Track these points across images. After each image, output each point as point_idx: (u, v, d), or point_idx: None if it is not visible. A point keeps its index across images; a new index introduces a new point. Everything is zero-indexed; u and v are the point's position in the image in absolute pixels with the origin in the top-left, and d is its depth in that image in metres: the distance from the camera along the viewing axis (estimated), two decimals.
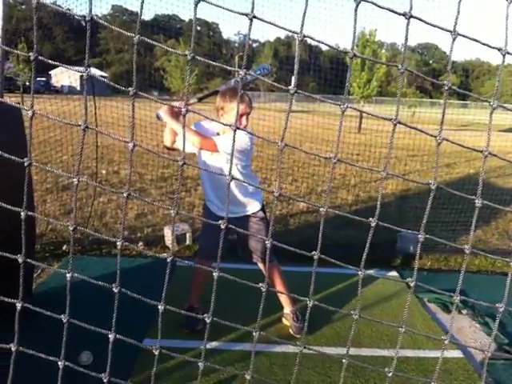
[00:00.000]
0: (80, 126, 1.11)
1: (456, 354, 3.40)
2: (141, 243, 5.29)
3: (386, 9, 1.04)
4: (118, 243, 1.22)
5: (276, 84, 1.20)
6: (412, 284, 1.26)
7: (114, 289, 1.30)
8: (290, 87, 1.07)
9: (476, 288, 4.25)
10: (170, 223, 5.68)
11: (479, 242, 6.08)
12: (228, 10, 1.05)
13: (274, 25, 1.05)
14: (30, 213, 1.25)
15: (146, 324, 3.37)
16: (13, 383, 1.44)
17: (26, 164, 1.16)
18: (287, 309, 3.67)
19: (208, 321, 1.34)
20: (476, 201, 1.17)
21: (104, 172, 8.87)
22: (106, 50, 76.95)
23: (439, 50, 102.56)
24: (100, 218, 6.18)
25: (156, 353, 1.35)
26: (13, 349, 1.35)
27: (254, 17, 1.01)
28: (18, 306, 1.30)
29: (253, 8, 1.00)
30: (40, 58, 1.08)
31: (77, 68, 1.19)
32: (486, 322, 3.89)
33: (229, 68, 1.17)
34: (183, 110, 1.10)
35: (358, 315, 1.32)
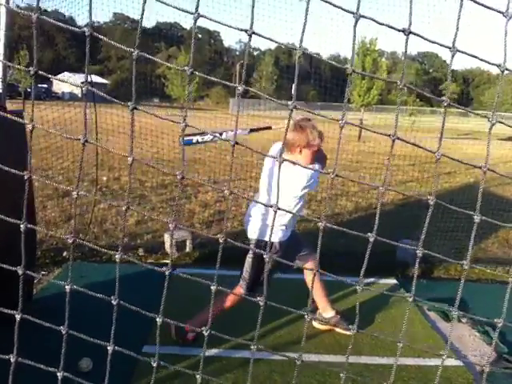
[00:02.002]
0: (79, 139, 1.11)
1: (455, 362, 3.40)
2: (141, 250, 5.29)
3: (386, 25, 1.05)
4: (116, 256, 1.22)
5: (274, 100, 1.21)
6: (410, 299, 1.26)
7: (112, 301, 1.29)
8: (288, 102, 1.07)
9: (476, 297, 4.25)
10: (171, 234, 5.68)
11: (479, 250, 6.08)
12: (227, 26, 1.06)
13: (273, 40, 1.06)
14: (29, 226, 1.25)
15: (146, 330, 3.36)
16: None
17: (25, 177, 1.17)
18: (329, 313, 3.76)
19: (206, 334, 1.34)
20: (475, 217, 1.17)
21: (105, 179, 8.88)
22: (107, 58, 77.15)
23: (439, 59, 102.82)
24: (100, 224, 6.18)
25: (154, 365, 1.35)
26: (12, 360, 1.35)
27: (254, 33, 1.02)
28: (18, 317, 1.30)
29: (252, 24, 1.01)
30: (40, 72, 1.08)
31: (73, 78, 1.19)
32: (485, 331, 3.89)
33: (227, 83, 1.17)
34: (182, 124, 1.10)
35: (356, 330, 1.32)
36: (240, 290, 3.41)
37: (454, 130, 25.88)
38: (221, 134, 3.32)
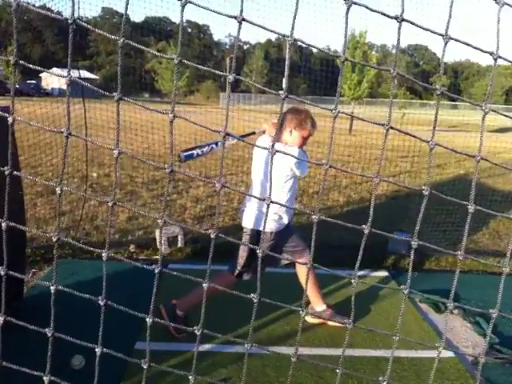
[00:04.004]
0: (63, 132, 1.09)
1: (448, 353, 3.41)
2: (132, 246, 5.27)
3: (378, 12, 1.04)
4: (103, 254, 1.20)
5: (267, 89, 1.20)
6: (406, 291, 1.26)
7: (99, 302, 1.28)
8: (280, 92, 1.06)
9: (467, 287, 4.28)
10: (160, 230, 5.64)
11: (470, 241, 6.11)
12: (217, 12, 1.04)
13: (264, 28, 1.05)
14: (16, 219, 1.23)
15: (139, 325, 3.35)
16: None
17: (6, 173, 1.15)
18: (321, 307, 3.76)
19: (198, 333, 1.33)
20: (469, 206, 1.17)
21: (95, 175, 8.82)
22: (96, 53, 76.56)
23: (429, 52, 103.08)
24: (91, 220, 6.14)
25: (145, 366, 1.34)
26: None
27: (243, 19, 1.00)
28: (0, 320, 1.28)
29: (241, 11, 1.00)
30: (21, 62, 1.06)
31: (60, 72, 1.17)
32: (477, 322, 3.91)
33: (217, 72, 1.16)
34: (170, 115, 1.08)
35: (352, 324, 1.31)
36: (229, 275, 3.50)
37: (443, 122, 25.99)
38: (216, 144, 3.36)
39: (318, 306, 3.75)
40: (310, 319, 3.78)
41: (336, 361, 1.45)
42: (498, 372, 3.25)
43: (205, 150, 3.31)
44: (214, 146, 3.35)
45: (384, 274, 4.90)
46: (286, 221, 3.47)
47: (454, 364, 3.30)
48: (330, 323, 3.75)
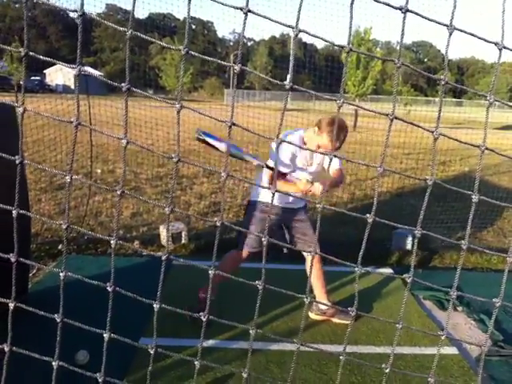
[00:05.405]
0: (72, 122, 1.10)
1: (452, 350, 3.41)
2: (136, 242, 5.28)
3: (382, 3, 1.03)
4: (112, 241, 1.21)
5: (272, 79, 1.20)
6: (409, 280, 1.26)
7: (108, 288, 1.28)
8: (285, 82, 1.07)
9: (472, 285, 4.26)
10: (166, 222, 5.65)
11: (474, 239, 6.10)
12: (222, 3, 1.04)
13: (269, 19, 1.04)
14: (23, 211, 1.24)
15: (142, 323, 3.36)
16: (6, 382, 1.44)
17: (17, 162, 1.15)
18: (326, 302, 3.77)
19: (204, 319, 1.33)
20: (473, 196, 1.17)
21: (99, 171, 8.84)
22: (100, 49, 76.69)
23: (434, 48, 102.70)
24: (95, 216, 6.16)
25: (152, 351, 1.35)
26: (6, 349, 1.34)
27: (249, 11, 1.00)
28: (11, 305, 1.29)
29: (247, 2, 0.99)
30: (31, 53, 1.07)
31: (70, 65, 1.17)
32: (481, 319, 3.91)
33: (223, 63, 1.16)
34: (177, 105, 1.08)
35: (356, 312, 1.32)
36: (237, 251, 3.63)
37: (448, 120, 25.92)
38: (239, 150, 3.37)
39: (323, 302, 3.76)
40: (313, 316, 3.78)
41: (339, 357, 1.45)
42: (502, 369, 3.24)
43: (222, 145, 3.18)
44: (233, 149, 3.24)
45: (388, 270, 4.90)
46: (287, 199, 3.58)
47: (457, 361, 3.30)
48: (334, 320, 3.75)
